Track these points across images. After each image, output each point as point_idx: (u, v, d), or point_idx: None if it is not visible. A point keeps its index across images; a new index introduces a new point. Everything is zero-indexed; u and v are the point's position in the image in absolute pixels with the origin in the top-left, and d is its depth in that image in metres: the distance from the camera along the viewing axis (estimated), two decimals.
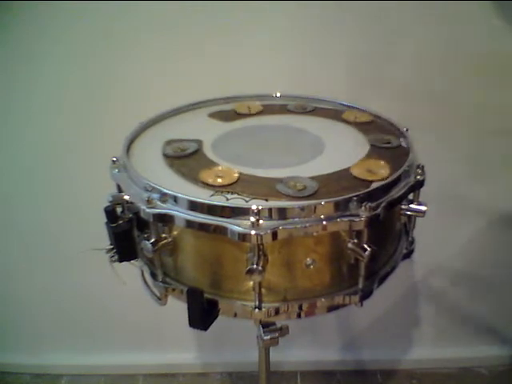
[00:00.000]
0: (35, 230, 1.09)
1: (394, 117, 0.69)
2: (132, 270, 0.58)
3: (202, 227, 0.46)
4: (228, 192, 0.49)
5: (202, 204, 0.46)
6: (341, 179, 0.52)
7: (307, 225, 0.45)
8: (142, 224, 0.51)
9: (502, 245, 1.09)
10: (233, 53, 0.88)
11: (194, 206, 0.47)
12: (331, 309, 0.52)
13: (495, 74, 0.89)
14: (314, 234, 0.46)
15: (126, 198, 0.52)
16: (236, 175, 0.53)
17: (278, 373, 1.23)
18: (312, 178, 0.52)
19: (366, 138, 0.63)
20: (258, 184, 0.51)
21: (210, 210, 0.46)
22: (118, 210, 0.52)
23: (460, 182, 1.01)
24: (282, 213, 0.45)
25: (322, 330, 1.22)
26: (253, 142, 0.64)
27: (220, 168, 0.55)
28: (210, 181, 0.52)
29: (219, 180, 0.52)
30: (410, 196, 0.54)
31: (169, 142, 0.62)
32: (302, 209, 0.45)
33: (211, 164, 0.56)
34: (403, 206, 0.54)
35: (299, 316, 0.51)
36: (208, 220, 0.45)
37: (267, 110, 0.75)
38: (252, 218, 0.44)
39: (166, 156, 0.59)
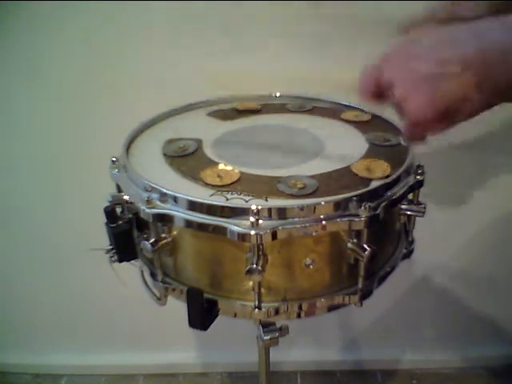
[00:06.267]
0: (35, 230, 1.09)
1: (394, 116, 0.69)
2: (132, 270, 0.58)
3: (202, 227, 0.46)
4: (228, 191, 0.49)
5: (202, 204, 0.46)
6: (341, 177, 0.52)
7: (307, 225, 0.45)
8: (141, 224, 0.51)
9: (502, 244, 1.09)
10: (233, 53, 0.88)
11: (193, 205, 0.47)
12: (331, 309, 0.52)
13: None
14: (314, 233, 0.46)
15: (126, 198, 0.52)
16: (237, 174, 0.53)
17: (278, 373, 1.23)
18: (312, 177, 0.52)
19: (366, 137, 0.63)
20: (258, 183, 0.51)
21: (210, 209, 0.46)
22: (118, 210, 0.52)
23: (460, 181, 1.01)
24: (282, 213, 0.45)
25: (322, 329, 1.22)
26: (252, 141, 0.64)
27: (220, 167, 0.55)
28: (211, 180, 0.52)
29: (220, 179, 0.52)
30: (410, 196, 0.54)
31: (169, 142, 0.62)
32: (302, 208, 0.45)
33: (212, 163, 0.56)
34: (403, 206, 0.54)
35: (299, 316, 0.51)
36: (207, 220, 0.46)
37: (267, 109, 0.75)
38: (251, 218, 0.44)
39: (166, 155, 0.59)
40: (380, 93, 0.44)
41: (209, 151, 0.60)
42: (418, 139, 0.45)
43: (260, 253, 0.45)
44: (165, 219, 0.48)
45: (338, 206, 0.46)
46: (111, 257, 0.55)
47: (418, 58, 0.39)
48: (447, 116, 0.39)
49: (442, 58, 0.38)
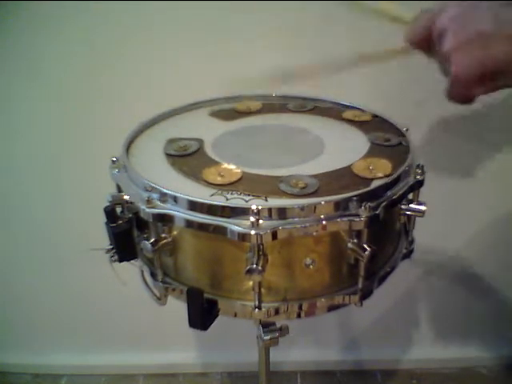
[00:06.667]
0: (35, 230, 1.09)
1: (394, 116, 0.69)
2: (132, 269, 0.58)
3: (202, 227, 0.46)
4: (229, 191, 0.49)
5: (202, 204, 0.46)
6: (342, 177, 0.52)
7: (307, 224, 0.45)
8: (141, 224, 0.51)
9: (502, 245, 1.09)
10: (233, 52, 0.88)
11: (193, 205, 0.46)
12: (331, 309, 0.52)
13: None
14: (314, 233, 0.46)
15: (126, 198, 0.52)
16: (238, 174, 0.53)
17: (278, 373, 1.23)
18: (313, 176, 0.52)
19: (367, 137, 0.63)
20: (259, 182, 0.51)
21: (210, 209, 0.46)
22: (118, 210, 0.52)
23: (460, 181, 1.01)
24: (282, 213, 0.45)
25: (322, 329, 1.22)
26: (253, 141, 0.64)
27: (222, 166, 0.55)
28: (213, 179, 0.52)
29: (222, 178, 0.52)
30: (410, 196, 0.54)
31: (170, 141, 0.62)
32: (302, 208, 0.45)
33: (213, 163, 0.56)
34: (403, 206, 0.54)
35: (299, 316, 0.51)
36: (208, 220, 0.45)
37: (267, 108, 0.75)
38: (252, 218, 0.44)
39: (167, 155, 0.59)
40: (428, 41, 0.42)
41: (210, 151, 0.60)
42: (461, 100, 0.43)
43: (260, 253, 0.45)
44: (165, 219, 0.48)
45: (338, 205, 0.46)
46: (111, 257, 0.55)
47: (477, 14, 0.39)
48: (491, 78, 0.39)
49: (500, 19, 0.37)
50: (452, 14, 0.41)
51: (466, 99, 0.43)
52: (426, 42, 0.43)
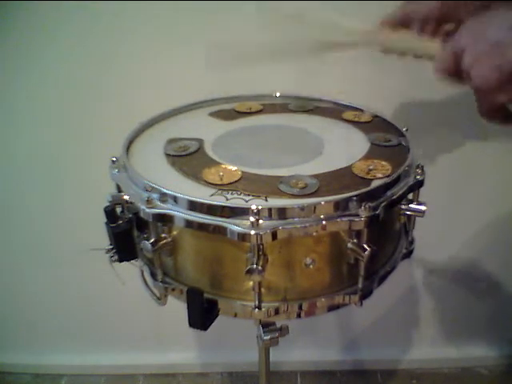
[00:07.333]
0: (35, 230, 1.09)
1: (394, 117, 0.69)
2: (132, 269, 0.58)
3: (202, 227, 0.46)
4: (229, 191, 0.49)
5: (202, 204, 0.46)
6: (342, 177, 0.53)
7: (307, 225, 0.45)
8: (141, 224, 0.51)
9: (501, 245, 1.09)
10: (233, 52, 0.88)
11: (193, 205, 0.47)
12: (331, 308, 0.52)
13: None
14: (314, 233, 0.46)
15: (126, 198, 0.52)
16: (238, 174, 0.53)
17: (278, 373, 1.23)
18: (313, 176, 0.52)
19: (367, 137, 0.63)
20: (259, 182, 0.51)
21: (210, 209, 0.46)
22: (118, 210, 0.52)
23: (460, 181, 1.01)
24: (282, 213, 0.45)
25: (322, 330, 1.22)
26: (253, 141, 0.65)
27: (222, 166, 0.55)
28: (212, 179, 0.52)
29: (222, 178, 0.52)
30: (410, 196, 0.54)
31: (170, 141, 0.62)
32: (302, 208, 0.45)
33: (213, 163, 0.56)
34: (403, 206, 0.54)
35: (299, 316, 0.51)
36: (207, 220, 0.46)
37: (268, 109, 0.75)
38: (252, 218, 0.44)
39: (167, 155, 0.59)
40: (458, 68, 0.43)
41: (210, 151, 0.60)
42: (492, 115, 0.44)
43: (260, 253, 0.45)
44: (165, 219, 0.48)
45: (338, 205, 0.46)
46: (111, 257, 0.55)
47: (491, 27, 0.40)
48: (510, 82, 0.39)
49: None
50: (465, 33, 0.42)
51: (496, 112, 0.43)
52: (457, 70, 0.44)
